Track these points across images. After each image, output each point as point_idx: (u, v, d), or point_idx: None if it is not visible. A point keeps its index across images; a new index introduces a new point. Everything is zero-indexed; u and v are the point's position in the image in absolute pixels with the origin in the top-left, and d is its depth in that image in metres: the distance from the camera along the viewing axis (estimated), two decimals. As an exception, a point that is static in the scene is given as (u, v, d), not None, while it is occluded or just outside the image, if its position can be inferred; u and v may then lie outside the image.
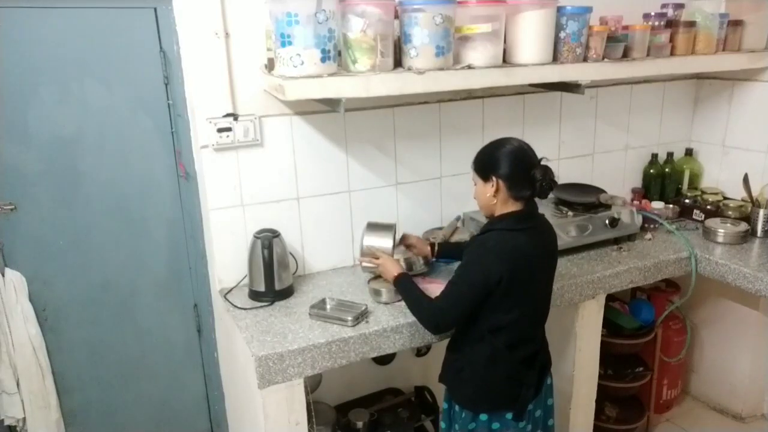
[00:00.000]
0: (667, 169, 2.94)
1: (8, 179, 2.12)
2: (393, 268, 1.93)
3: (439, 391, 2.58)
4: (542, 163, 1.71)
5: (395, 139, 2.36)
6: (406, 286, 1.87)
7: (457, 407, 1.87)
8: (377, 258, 1.99)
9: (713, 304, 2.88)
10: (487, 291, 1.68)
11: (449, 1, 1.86)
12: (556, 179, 1.71)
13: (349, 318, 1.90)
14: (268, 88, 2.03)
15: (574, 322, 2.33)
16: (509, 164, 1.69)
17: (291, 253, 2.19)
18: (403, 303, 1.93)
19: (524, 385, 1.79)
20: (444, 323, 1.77)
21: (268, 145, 2.15)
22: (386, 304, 2.01)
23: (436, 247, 2.17)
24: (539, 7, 2.03)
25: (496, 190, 1.72)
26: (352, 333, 1.87)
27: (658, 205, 2.81)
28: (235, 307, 2.06)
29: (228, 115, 2.05)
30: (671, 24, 2.43)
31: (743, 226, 2.57)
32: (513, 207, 1.73)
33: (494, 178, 1.71)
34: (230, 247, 2.18)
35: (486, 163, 1.74)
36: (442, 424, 1.97)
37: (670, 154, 2.97)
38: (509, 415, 1.81)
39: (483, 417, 1.82)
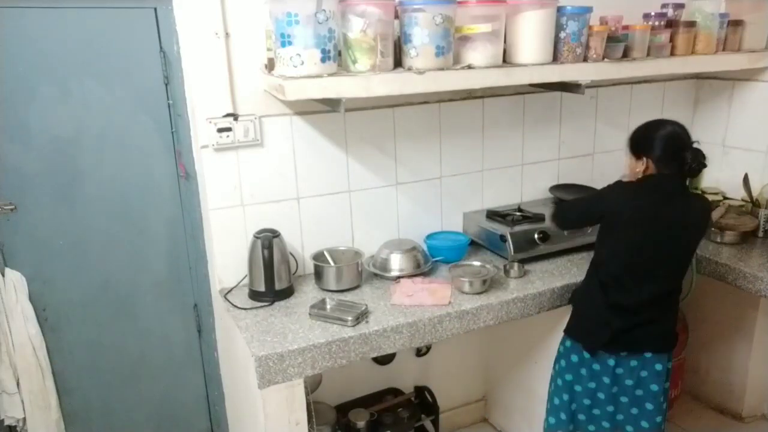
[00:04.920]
0: (667, 169, 2.94)
1: (8, 179, 2.12)
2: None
3: (439, 390, 2.59)
4: (695, 146, 1.86)
5: (395, 139, 2.36)
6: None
7: None
8: None
9: (713, 304, 2.88)
10: (595, 216, 1.99)
11: (449, 1, 1.86)
12: (706, 162, 1.86)
13: (349, 318, 1.90)
14: (268, 88, 2.03)
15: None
16: (662, 148, 1.85)
17: (291, 253, 2.19)
18: (404, 304, 2.01)
19: (606, 326, 1.91)
20: (559, 223, 2.19)
21: (268, 145, 2.15)
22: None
23: None
24: (539, 7, 2.03)
25: (646, 168, 1.90)
26: (352, 333, 1.87)
27: (658, 205, 2.80)
28: (235, 307, 2.06)
29: (228, 115, 2.05)
30: (671, 24, 2.42)
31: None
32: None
33: (645, 159, 1.89)
34: (230, 247, 2.18)
35: (640, 144, 1.92)
36: None
37: (670, 154, 2.97)
38: (587, 355, 1.98)
39: (567, 343, 2.04)
